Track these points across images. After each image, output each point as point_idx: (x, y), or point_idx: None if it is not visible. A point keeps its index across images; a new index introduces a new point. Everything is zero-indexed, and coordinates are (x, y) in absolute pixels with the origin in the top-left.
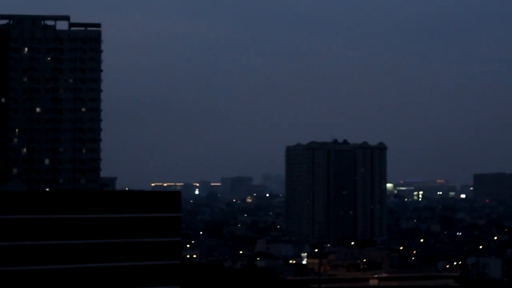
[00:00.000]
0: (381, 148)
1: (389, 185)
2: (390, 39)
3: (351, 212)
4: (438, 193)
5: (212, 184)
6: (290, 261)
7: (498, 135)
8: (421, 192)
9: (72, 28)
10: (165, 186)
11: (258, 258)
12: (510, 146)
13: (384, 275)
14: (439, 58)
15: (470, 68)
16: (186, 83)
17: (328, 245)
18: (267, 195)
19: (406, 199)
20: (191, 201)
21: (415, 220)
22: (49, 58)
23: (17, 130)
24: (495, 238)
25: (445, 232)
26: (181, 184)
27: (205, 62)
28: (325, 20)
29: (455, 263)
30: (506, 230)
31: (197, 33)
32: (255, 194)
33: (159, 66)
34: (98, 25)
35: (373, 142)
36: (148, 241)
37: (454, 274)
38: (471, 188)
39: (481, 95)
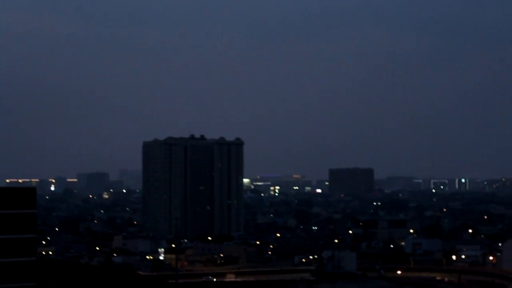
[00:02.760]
0: (238, 144)
1: (246, 180)
2: (250, 37)
3: (208, 207)
4: (294, 188)
5: (68, 180)
6: (147, 257)
7: (352, 131)
8: (277, 187)
9: None
10: (20, 183)
11: (115, 254)
12: (364, 142)
13: (241, 269)
14: (296, 56)
15: (325, 65)
16: (38, 77)
17: (186, 240)
18: (124, 190)
19: (262, 194)
20: (47, 197)
21: (271, 215)
22: None
23: None
24: (350, 232)
25: (301, 227)
26: (37, 180)
27: (60, 57)
28: (185, 15)
29: (311, 257)
30: (360, 224)
31: (53, 28)
32: (111, 190)
33: (14, 61)
34: None
35: (230, 137)
36: (3, 238)
37: (310, 267)
38: (327, 183)
39: (337, 93)
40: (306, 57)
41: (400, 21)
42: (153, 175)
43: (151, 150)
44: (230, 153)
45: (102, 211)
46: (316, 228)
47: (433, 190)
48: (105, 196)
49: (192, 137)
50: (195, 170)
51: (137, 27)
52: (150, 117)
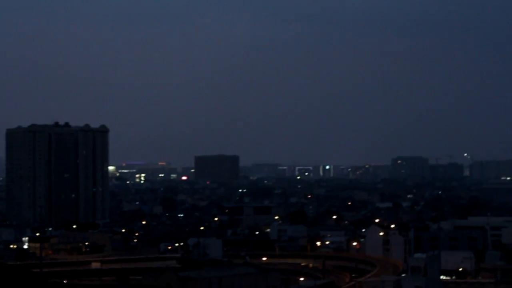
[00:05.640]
0: (103, 131)
1: (111, 168)
2: (115, 20)
3: (73, 195)
4: (160, 175)
5: None
6: (11, 246)
7: (218, 118)
8: (143, 175)
9: None
10: None
11: None
12: (230, 129)
13: (107, 257)
14: (162, 41)
15: (192, 51)
16: None
17: (50, 228)
18: None
19: (128, 182)
20: None
21: (137, 203)
22: None
23: None
24: (216, 219)
25: (167, 214)
26: None
27: None
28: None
29: (176, 244)
30: (226, 211)
31: None
32: None
33: None
34: None
35: (95, 124)
36: None
37: (175, 255)
38: (192, 170)
39: (202, 79)
40: (172, 41)
41: (269, 9)
42: (16, 162)
43: (14, 137)
44: (95, 140)
45: None
46: (182, 215)
47: (298, 177)
48: None
49: (57, 124)
50: (60, 157)
51: (6, 11)
52: (13, 104)
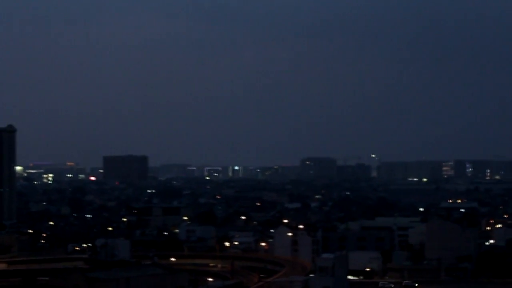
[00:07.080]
0: (10, 131)
1: (18, 168)
2: (33, 22)
3: None
4: (68, 175)
5: None
6: None
7: (126, 117)
8: (51, 175)
9: None
10: None
11: None
12: (138, 129)
13: (14, 258)
14: (76, 42)
15: (98, 52)
16: None
17: None
18: None
19: (35, 182)
20: None
21: (44, 203)
22: None
23: None
24: (124, 219)
25: (75, 215)
26: None
27: None
28: None
29: (84, 245)
30: (134, 211)
31: None
32: None
33: None
34: None
35: (1, 124)
36: None
37: (83, 256)
38: (101, 171)
39: (112, 79)
40: (76, 41)
41: (169, 8)
42: None
43: None
44: (2, 140)
45: None
46: (90, 216)
47: (207, 177)
48: None
49: None
50: None
51: None
52: None
